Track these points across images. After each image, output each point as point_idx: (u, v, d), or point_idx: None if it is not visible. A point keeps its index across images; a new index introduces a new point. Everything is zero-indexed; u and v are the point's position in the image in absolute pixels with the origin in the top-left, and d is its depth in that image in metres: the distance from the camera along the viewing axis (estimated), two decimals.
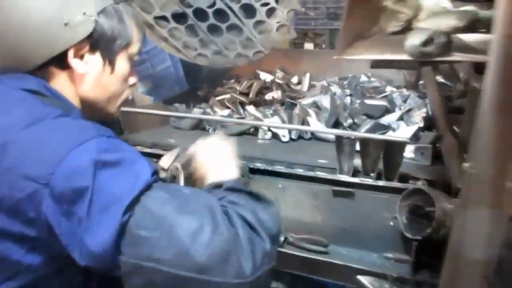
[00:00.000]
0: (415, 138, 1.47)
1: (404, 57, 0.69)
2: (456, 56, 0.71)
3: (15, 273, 0.74)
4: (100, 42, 0.83)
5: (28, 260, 0.73)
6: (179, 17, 1.53)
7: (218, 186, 0.84)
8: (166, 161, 1.04)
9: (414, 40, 0.69)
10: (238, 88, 2.30)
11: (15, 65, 0.81)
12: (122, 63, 0.88)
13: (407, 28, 0.75)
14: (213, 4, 1.44)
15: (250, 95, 2.17)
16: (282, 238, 1.26)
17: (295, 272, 1.24)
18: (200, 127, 1.75)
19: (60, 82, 0.84)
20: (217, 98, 2.16)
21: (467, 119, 1.38)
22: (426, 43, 0.68)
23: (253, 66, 2.53)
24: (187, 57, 1.62)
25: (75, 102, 0.86)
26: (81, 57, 0.83)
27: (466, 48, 0.68)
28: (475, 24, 0.68)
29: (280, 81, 2.31)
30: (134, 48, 0.89)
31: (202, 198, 0.73)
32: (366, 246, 1.24)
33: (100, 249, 0.65)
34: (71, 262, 0.70)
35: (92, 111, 0.89)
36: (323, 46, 3.39)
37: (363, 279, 1.07)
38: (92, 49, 0.83)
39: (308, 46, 3.41)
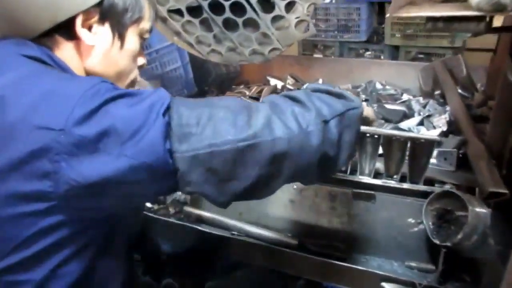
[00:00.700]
0: (436, 143, 1.41)
1: (470, 13, 0.62)
2: None
3: (28, 238, 0.69)
4: (110, 13, 0.79)
5: (41, 222, 0.68)
6: (194, 11, 1.47)
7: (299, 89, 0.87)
8: None
9: None
10: (247, 93, 2.24)
11: (17, 31, 0.76)
12: (132, 39, 0.84)
13: None
14: None
15: (261, 100, 2.10)
16: (296, 242, 1.18)
17: (310, 278, 1.15)
18: None
19: (65, 53, 0.79)
20: None
21: (493, 123, 1.32)
22: None
23: (262, 72, 2.49)
24: (200, 53, 1.55)
25: (81, 74, 0.81)
26: (89, 28, 0.79)
27: None
28: None
29: (291, 87, 2.26)
30: (145, 25, 0.86)
31: (224, 99, 0.80)
32: (386, 254, 1.16)
33: (151, 145, 0.65)
34: (91, 225, 0.71)
35: None
36: (332, 57, 3.35)
37: (388, 286, 0.98)
38: (102, 20, 0.79)
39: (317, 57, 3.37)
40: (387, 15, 0.75)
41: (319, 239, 1.19)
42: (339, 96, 0.80)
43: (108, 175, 0.64)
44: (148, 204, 1.37)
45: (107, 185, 0.66)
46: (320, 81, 2.17)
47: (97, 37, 0.79)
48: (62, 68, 0.76)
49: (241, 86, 2.42)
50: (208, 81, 2.43)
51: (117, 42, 0.81)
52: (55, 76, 0.70)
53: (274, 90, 2.21)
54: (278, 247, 1.15)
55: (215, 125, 0.68)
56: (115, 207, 0.75)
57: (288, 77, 2.39)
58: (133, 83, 0.92)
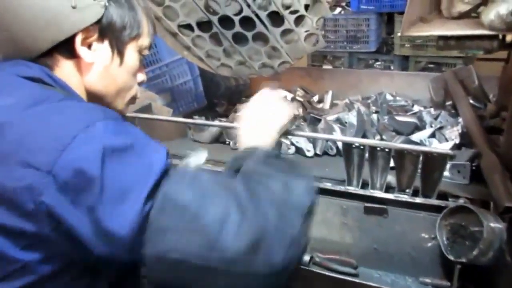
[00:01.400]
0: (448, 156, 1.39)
1: (482, 31, 0.61)
2: None
3: (11, 273, 0.66)
4: (109, 30, 0.78)
5: (24, 258, 0.65)
6: (204, 25, 1.49)
7: (249, 154, 0.78)
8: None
9: (500, 9, 0.61)
10: None
11: (17, 51, 0.76)
12: (131, 55, 0.83)
13: (473, 12, 0.68)
14: (240, 12, 1.39)
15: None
16: (308, 258, 1.17)
17: None
18: (220, 141, 1.69)
19: (65, 71, 0.78)
20: (237, 114, 2.10)
21: (507, 135, 1.30)
22: None
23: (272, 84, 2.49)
24: (210, 67, 1.56)
25: (81, 93, 0.80)
26: (89, 45, 0.78)
27: None
28: None
29: (301, 99, 2.25)
30: (144, 41, 0.85)
31: (225, 182, 0.67)
32: (399, 269, 1.14)
33: (120, 233, 0.59)
34: (74, 263, 0.66)
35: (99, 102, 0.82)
36: (342, 69, 3.35)
37: None
38: (101, 37, 0.78)
39: (327, 68, 3.37)
40: (398, 34, 0.74)
41: (331, 255, 1.18)
42: (294, 169, 0.75)
43: (79, 236, 0.62)
44: None
45: (78, 242, 0.63)
46: (330, 93, 2.16)
47: (97, 54, 0.79)
48: (62, 87, 0.76)
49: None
50: (217, 93, 2.44)
51: (117, 59, 0.81)
52: (53, 109, 0.68)
53: None
54: None
55: (199, 225, 0.60)
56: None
57: (298, 89, 2.39)
58: (133, 99, 0.90)
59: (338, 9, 3.41)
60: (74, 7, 0.74)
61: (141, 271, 0.67)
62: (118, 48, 0.81)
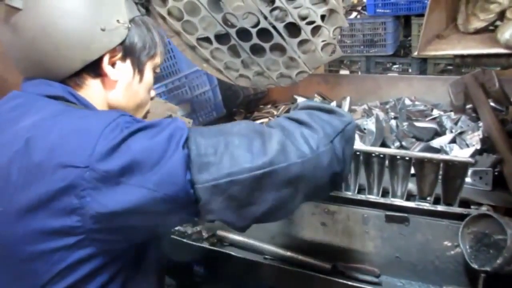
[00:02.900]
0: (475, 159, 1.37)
1: (499, 50, 0.62)
2: None
3: (60, 272, 0.71)
4: (131, 50, 0.86)
5: (71, 257, 0.70)
6: (222, 38, 1.51)
7: (295, 106, 0.91)
8: None
9: None
10: (275, 113, 2.26)
11: (48, 72, 0.80)
12: (148, 73, 0.92)
13: (490, 25, 0.68)
14: (257, 24, 1.41)
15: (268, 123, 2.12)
16: (329, 267, 1.17)
17: None
18: None
19: (91, 89, 0.84)
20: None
21: None
22: None
23: (289, 91, 2.50)
24: (229, 78, 1.59)
25: (99, 106, 0.85)
26: (113, 64, 0.85)
27: None
28: None
29: None
30: (158, 59, 0.94)
31: (236, 124, 0.78)
32: (422, 278, 1.14)
33: (172, 176, 0.68)
34: (120, 253, 0.73)
35: None
36: (359, 73, 3.34)
37: None
38: (124, 57, 0.86)
39: (344, 73, 3.36)
40: (415, 53, 0.74)
41: (352, 263, 1.18)
42: (331, 112, 0.85)
43: (131, 206, 0.67)
44: (181, 228, 1.40)
45: (131, 216, 0.69)
46: (348, 99, 2.16)
47: (120, 73, 0.85)
48: (84, 104, 0.81)
49: (269, 106, 2.44)
50: (236, 102, 2.47)
51: (137, 76, 0.89)
52: (76, 114, 0.74)
53: None
54: (311, 271, 1.15)
55: (232, 153, 0.71)
56: (142, 236, 0.78)
57: (315, 95, 2.40)
58: (147, 113, 0.99)
59: (354, 14, 3.40)
60: (103, 30, 0.80)
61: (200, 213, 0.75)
62: (139, 67, 0.89)
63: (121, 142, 0.67)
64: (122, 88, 0.87)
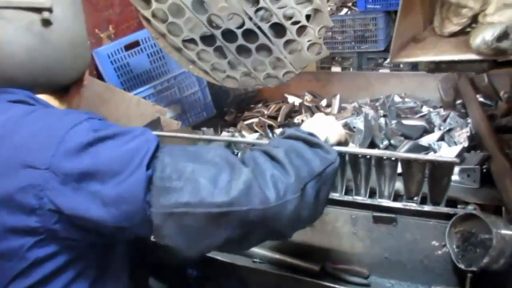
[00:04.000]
0: (460, 158, 1.37)
1: (471, 56, 0.61)
2: None
3: (24, 270, 0.71)
4: None
5: (35, 255, 0.70)
6: (208, 39, 1.50)
7: (283, 133, 0.89)
8: None
9: (485, 35, 0.61)
10: (266, 112, 2.25)
11: (47, 83, 0.82)
12: None
13: (465, 30, 0.67)
14: (242, 25, 1.40)
15: (279, 119, 2.11)
16: (318, 268, 1.17)
17: None
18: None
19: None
20: (245, 122, 2.11)
21: None
22: (500, 38, 0.60)
23: (280, 89, 2.49)
24: (216, 79, 1.58)
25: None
26: None
27: None
28: None
29: (309, 104, 2.25)
30: None
31: (211, 150, 0.77)
32: (411, 278, 1.13)
33: (131, 194, 0.66)
34: (87, 251, 0.72)
35: None
36: (351, 69, 3.33)
37: None
38: None
39: (336, 69, 3.35)
40: (387, 60, 0.73)
41: (341, 264, 1.18)
42: (316, 146, 0.83)
43: (86, 215, 0.67)
44: None
45: (88, 222, 0.68)
46: (338, 97, 2.15)
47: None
48: (44, 105, 0.81)
49: (259, 105, 2.43)
50: (227, 102, 2.46)
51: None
52: (43, 114, 0.73)
53: (292, 108, 2.21)
54: (300, 274, 1.14)
55: (196, 182, 0.69)
56: (102, 239, 0.77)
57: (306, 93, 2.39)
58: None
59: (345, 10, 3.39)
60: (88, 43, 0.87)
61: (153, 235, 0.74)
62: None
63: (85, 146, 0.67)
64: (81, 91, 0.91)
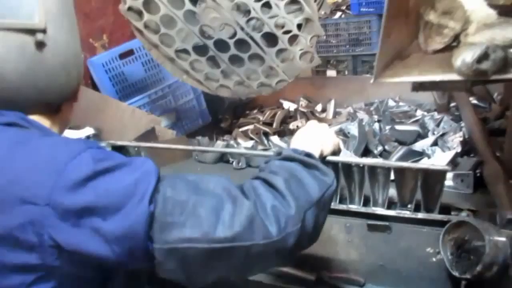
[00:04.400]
0: (453, 164, 1.38)
1: (452, 77, 0.62)
2: None
3: None
4: None
5: None
6: (200, 49, 1.51)
7: (279, 153, 0.87)
8: None
9: (466, 56, 0.61)
10: (261, 118, 2.26)
11: (39, 103, 0.79)
12: None
13: (451, 45, 0.68)
14: (234, 35, 1.41)
15: (274, 125, 2.12)
16: (313, 278, 1.17)
17: None
18: (224, 160, 1.70)
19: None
20: (241, 129, 2.12)
21: (509, 141, 1.28)
22: (481, 59, 0.60)
23: (276, 95, 2.49)
24: (209, 89, 1.59)
25: (55, 129, 0.84)
26: None
27: None
28: None
29: (304, 110, 2.26)
30: None
31: (212, 180, 0.75)
32: (407, 285, 1.13)
33: (132, 230, 0.65)
34: (83, 285, 0.71)
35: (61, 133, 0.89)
36: (346, 72, 3.33)
37: None
38: None
39: (331, 73, 3.36)
40: (371, 81, 0.73)
41: (337, 273, 1.18)
42: (313, 167, 0.82)
43: (88, 251, 0.66)
44: None
45: (89, 258, 0.67)
46: (332, 102, 2.16)
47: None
48: (37, 126, 0.78)
49: (255, 111, 2.44)
50: (222, 109, 2.47)
51: None
52: (38, 143, 0.71)
53: (287, 114, 2.22)
54: (296, 284, 1.14)
55: (199, 216, 0.68)
56: (104, 272, 0.76)
57: (301, 98, 2.40)
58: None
59: (339, 13, 3.40)
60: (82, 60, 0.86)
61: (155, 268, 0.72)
62: None
63: (85, 181, 0.65)
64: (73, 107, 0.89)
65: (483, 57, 0.61)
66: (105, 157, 0.69)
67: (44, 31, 0.74)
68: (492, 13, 0.66)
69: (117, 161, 0.69)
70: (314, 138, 0.98)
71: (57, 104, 0.82)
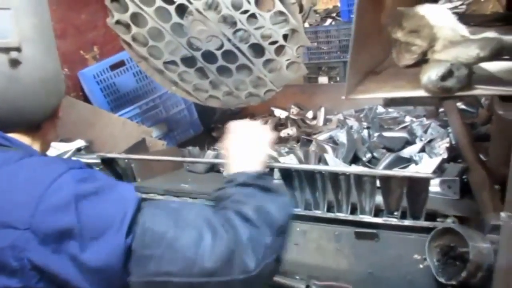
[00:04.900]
0: (440, 170, 1.39)
1: (420, 93, 0.63)
2: (480, 90, 0.64)
3: None
4: None
5: None
6: (188, 61, 1.52)
7: (231, 181, 0.86)
8: None
9: (431, 74, 0.63)
10: None
11: (17, 121, 0.80)
12: None
13: (422, 60, 0.69)
14: (221, 46, 1.43)
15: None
16: (303, 286, 1.18)
17: None
18: (215, 170, 1.71)
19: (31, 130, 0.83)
20: (222, 148, 2.13)
21: (494, 148, 1.30)
22: (445, 77, 0.62)
23: (267, 103, 2.49)
24: (198, 99, 1.60)
25: (37, 147, 0.84)
26: None
27: (490, 79, 0.62)
28: (500, 52, 0.62)
29: (295, 117, 2.28)
30: None
31: (194, 209, 0.74)
32: None
33: (107, 267, 0.64)
34: None
35: (44, 150, 0.89)
36: (338, 78, 3.37)
37: None
38: None
39: (322, 79, 3.39)
40: (343, 97, 0.74)
41: (327, 281, 1.19)
42: (269, 190, 0.83)
43: (66, 277, 0.65)
44: None
45: (69, 285, 0.66)
46: (322, 109, 2.18)
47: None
48: (17, 145, 0.79)
49: (247, 120, 2.45)
50: (213, 118, 2.48)
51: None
52: (16, 167, 0.70)
53: (278, 122, 2.24)
54: None
55: (176, 251, 0.67)
56: None
57: (292, 106, 2.42)
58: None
59: (329, 21, 3.44)
60: (62, 78, 0.86)
61: None
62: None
63: (65, 205, 0.65)
64: (56, 124, 0.89)
65: (448, 74, 0.63)
66: (87, 179, 0.69)
67: (18, 49, 0.75)
68: (460, 29, 0.68)
69: (98, 185, 0.69)
70: (251, 149, 0.96)
71: (37, 122, 0.82)
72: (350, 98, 0.73)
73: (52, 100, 0.82)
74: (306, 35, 1.33)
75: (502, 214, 0.62)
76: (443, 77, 0.62)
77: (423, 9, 0.75)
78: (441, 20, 0.69)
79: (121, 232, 0.65)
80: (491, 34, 0.58)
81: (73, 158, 1.64)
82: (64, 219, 0.64)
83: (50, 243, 0.64)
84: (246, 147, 0.95)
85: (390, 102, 0.73)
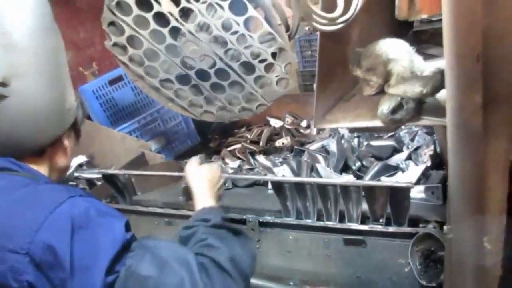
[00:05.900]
0: (425, 177, 1.46)
1: (377, 123, 0.71)
2: (426, 120, 0.72)
3: None
4: (77, 120, 0.94)
5: None
6: (183, 79, 1.60)
7: (203, 220, 0.93)
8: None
9: (384, 107, 0.70)
10: (248, 137, 2.34)
11: (14, 150, 0.85)
12: None
13: (382, 90, 0.77)
14: (214, 65, 1.50)
15: (261, 143, 2.20)
16: None
17: None
18: None
19: (44, 158, 0.88)
20: (228, 149, 2.20)
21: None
22: (396, 109, 0.70)
23: (262, 112, 2.57)
24: (194, 115, 1.67)
25: (44, 171, 0.89)
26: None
27: (437, 110, 0.69)
28: (442, 87, 0.69)
29: (290, 127, 2.35)
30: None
31: (179, 254, 0.79)
32: None
33: None
34: None
35: (58, 175, 0.94)
36: None
37: None
38: (72, 127, 0.92)
39: None
40: (312, 127, 0.80)
41: (318, 286, 1.25)
42: (238, 232, 0.92)
43: None
44: None
45: None
46: None
47: (70, 140, 0.93)
48: (27, 170, 0.85)
49: (243, 129, 2.52)
50: (210, 129, 2.55)
51: (75, 140, 0.96)
52: (21, 194, 0.77)
53: (273, 132, 2.31)
54: None
55: None
56: None
57: (287, 115, 2.49)
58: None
59: None
60: (68, 110, 0.88)
61: None
62: (77, 132, 0.96)
63: (61, 237, 0.70)
64: (68, 152, 0.93)
65: (398, 107, 0.70)
66: (84, 209, 0.75)
67: (3, 84, 0.78)
68: (416, 62, 0.75)
69: (91, 215, 0.74)
70: (208, 185, 1.09)
71: (36, 149, 0.86)
72: (318, 127, 0.79)
73: (51, 129, 0.85)
74: (300, 44, 1.40)
75: (445, 227, 0.70)
76: (394, 110, 0.70)
77: (383, 44, 0.83)
78: (399, 54, 0.77)
79: (102, 270, 0.70)
80: (442, 63, 0.65)
81: (75, 174, 1.71)
82: (58, 249, 0.70)
83: (43, 269, 0.70)
84: (204, 184, 1.08)
85: (354, 130, 0.80)
